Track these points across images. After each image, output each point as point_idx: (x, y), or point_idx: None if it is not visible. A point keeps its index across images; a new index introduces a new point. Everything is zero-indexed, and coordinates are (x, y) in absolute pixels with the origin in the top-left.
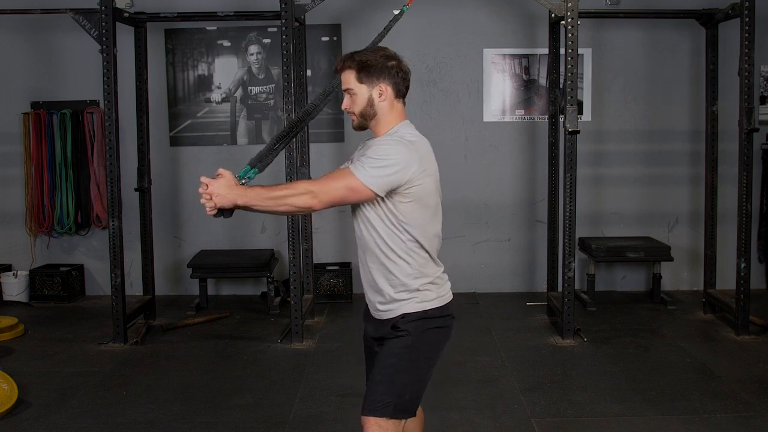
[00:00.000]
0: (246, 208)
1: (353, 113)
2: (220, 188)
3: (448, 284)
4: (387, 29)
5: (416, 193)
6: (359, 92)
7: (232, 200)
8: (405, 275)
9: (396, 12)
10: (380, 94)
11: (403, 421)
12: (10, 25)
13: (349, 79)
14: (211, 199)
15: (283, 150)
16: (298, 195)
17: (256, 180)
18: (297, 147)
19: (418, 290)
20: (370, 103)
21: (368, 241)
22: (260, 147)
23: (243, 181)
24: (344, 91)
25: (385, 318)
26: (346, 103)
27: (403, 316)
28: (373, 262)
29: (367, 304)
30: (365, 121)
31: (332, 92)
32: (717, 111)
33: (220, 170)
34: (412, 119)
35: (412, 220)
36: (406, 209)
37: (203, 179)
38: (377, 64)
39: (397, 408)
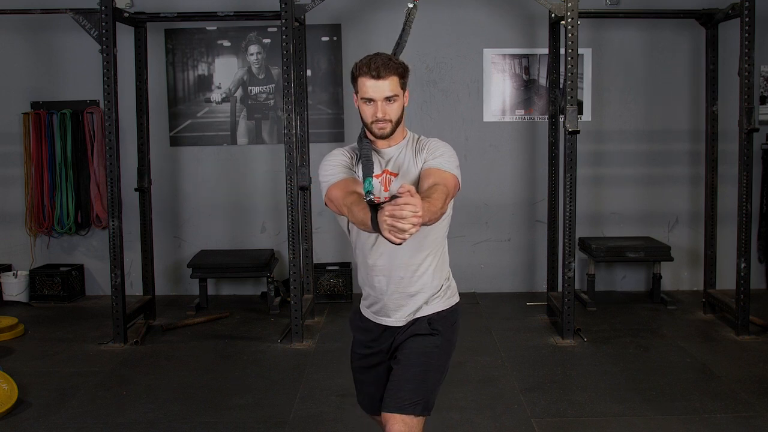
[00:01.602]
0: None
1: (389, 121)
2: (423, 207)
3: None
4: (408, 26)
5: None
6: (400, 98)
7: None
8: (443, 268)
9: (410, 5)
10: (407, 99)
11: (425, 418)
12: (10, 25)
13: (392, 85)
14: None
15: (284, 150)
16: (444, 202)
17: None
18: (297, 147)
19: (447, 286)
20: (403, 109)
21: (415, 245)
22: (261, 147)
23: (371, 196)
24: (385, 99)
25: (409, 321)
26: (383, 111)
27: (438, 312)
28: (416, 263)
29: (365, 319)
30: (395, 128)
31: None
32: (717, 111)
33: (406, 185)
34: (413, 119)
35: (450, 213)
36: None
37: (411, 200)
38: (407, 69)
39: (425, 406)
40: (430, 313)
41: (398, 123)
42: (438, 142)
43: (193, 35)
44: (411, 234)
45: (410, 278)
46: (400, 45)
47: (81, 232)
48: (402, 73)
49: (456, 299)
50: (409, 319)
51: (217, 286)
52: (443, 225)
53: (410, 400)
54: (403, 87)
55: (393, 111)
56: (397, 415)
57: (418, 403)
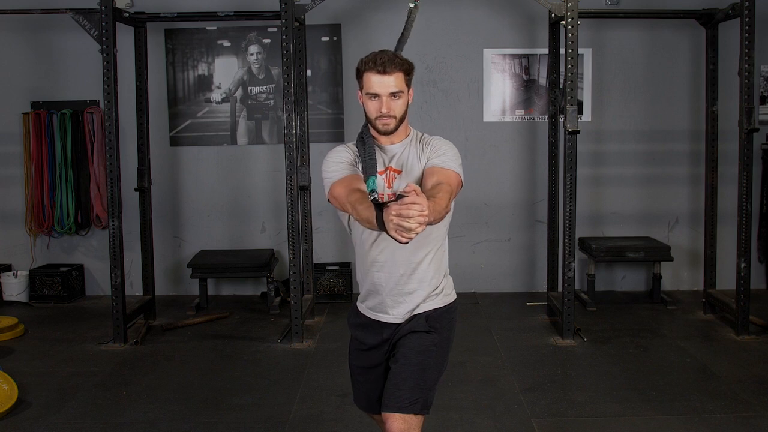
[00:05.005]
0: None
1: (393, 117)
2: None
3: None
4: (410, 24)
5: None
6: (405, 95)
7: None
8: (442, 266)
9: (411, 5)
10: (411, 97)
11: (424, 416)
12: (10, 25)
13: (398, 81)
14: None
15: (284, 150)
16: (448, 201)
17: None
18: (297, 147)
19: (444, 284)
20: (407, 106)
21: (416, 242)
22: (261, 147)
23: (375, 195)
24: (390, 95)
25: (407, 318)
26: (387, 107)
27: (436, 309)
28: (417, 261)
29: (362, 316)
30: (399, 125)
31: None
32: (717, 111)
33: (412, 184)
34: (413, 119)
35: (452, 211)
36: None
37: (418, 199)
38: (412, 66)
39: (424, 404)
40: (427, 309)
41: (402, 120)
42: (441, 140)
43: (193, 35)
44: (417, 233)
45: (410, 275)
46: (401, 42)
47: (81, 232)
48: (407, 70)
49: (453, 297)
50: (407, 316)
51: (217, 286)
52: (444, 222)
53: (409, 399)
54: (408, 84)
55: (397, 107)
56: (397, 414)
57: (417, 402)
